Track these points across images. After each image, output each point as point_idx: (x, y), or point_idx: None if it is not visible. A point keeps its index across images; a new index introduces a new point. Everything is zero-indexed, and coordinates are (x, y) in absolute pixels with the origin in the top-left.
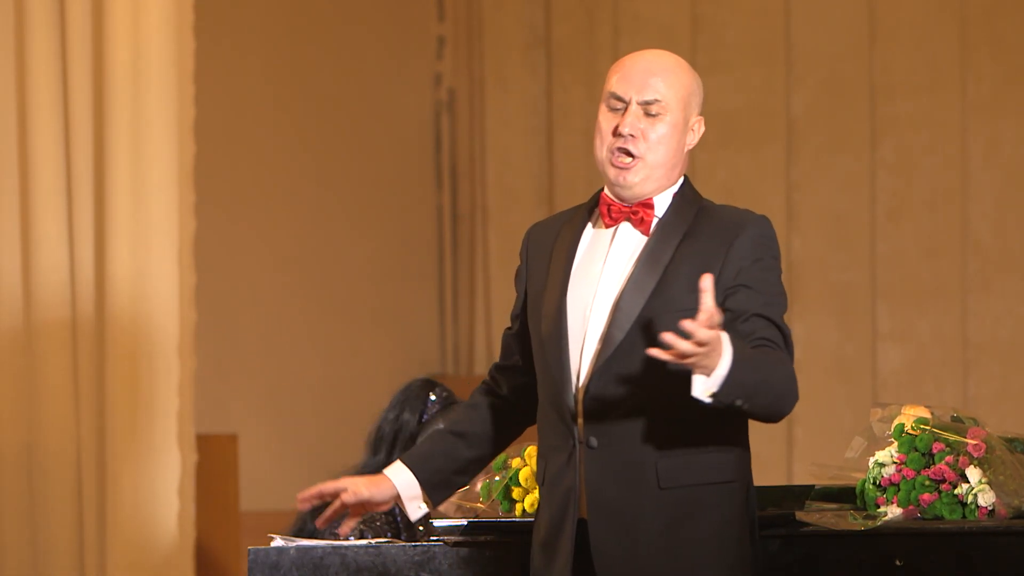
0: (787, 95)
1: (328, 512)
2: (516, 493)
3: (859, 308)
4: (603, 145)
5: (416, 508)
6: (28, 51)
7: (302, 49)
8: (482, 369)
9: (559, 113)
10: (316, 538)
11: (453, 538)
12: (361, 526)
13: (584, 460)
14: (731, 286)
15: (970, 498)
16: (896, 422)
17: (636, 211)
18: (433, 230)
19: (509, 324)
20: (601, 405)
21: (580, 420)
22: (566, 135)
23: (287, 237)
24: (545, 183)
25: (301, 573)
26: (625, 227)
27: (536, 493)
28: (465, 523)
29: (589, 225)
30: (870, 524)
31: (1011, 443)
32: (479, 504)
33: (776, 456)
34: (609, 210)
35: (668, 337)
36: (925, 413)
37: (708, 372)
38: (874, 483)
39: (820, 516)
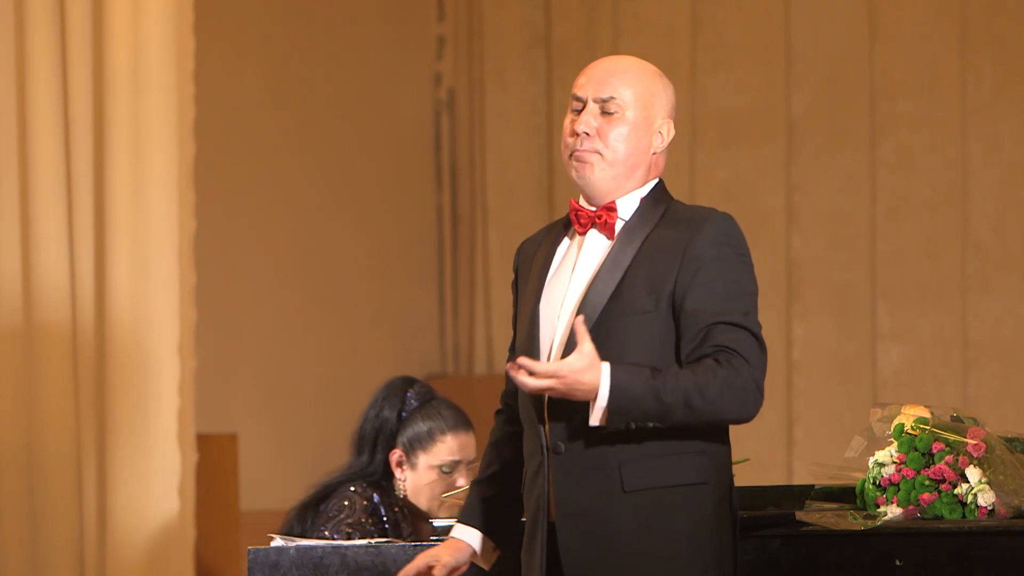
0: (787, 95)
1: None
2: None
3: (859, 308)
4: (564, 146)
5: (492, 557)
6: (28, 51)
7: (302, 49)
8: (482, 369)
9: (559, 113)
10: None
11: None
12: (348, 529)
13: (552, 465)
14: (688, 288)
15: (970, 498)
16: (896, 422)
17: (600, 215)
18: (433, 230)
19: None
20: (565, 410)
21: (547, 426)
22: None
23: (287, 237)
24: (545, 183)
25: (301, 573)
26: (592, 233)
27: None
28: None
29: (564, 236)
30: (870, 524)
31: (1011, 443)
32: None
33: (776, 456)
34: (578, 217)
35: (512, 373)
36: (925, 413)
37: (591, 404)
38: (874, 483)
39: (820, 516)
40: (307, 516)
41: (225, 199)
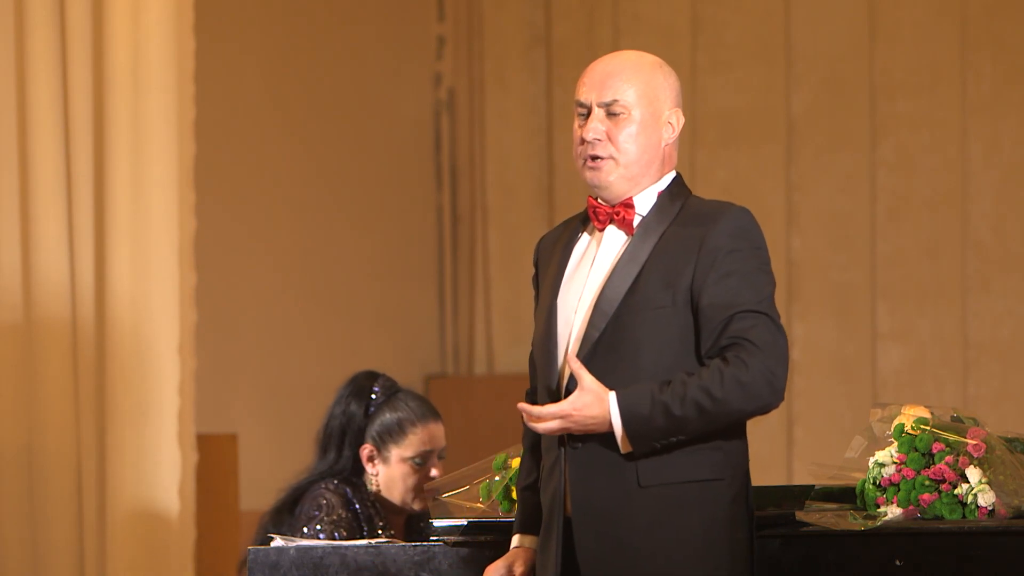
0: (787, 95)
1: None
2: (516, 493)
3: (859, 308)
4: (576, 154)
5: None
6: (28, 51)
7: (302, 49)
8: (482, 369)
9: (559, 113)
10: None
11: (453, 538)
12: (331, 527)
13: (568, 460)
14: (705, 282)
15: (970, 498)
16: (896, 422)
17: (618, 211)
18: (433, 230)
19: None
20: None
21: None
22: (566, 135)
23: (287, 237)
24: (545, 183)
25: (301, 573)
26: (611, 230)
27: None
28: (465, 523)
29: (583, 232)
30: (870, 524)
31: (1011, 443)
32: (479, 504)
33: (776, 456)
34: (596, 214)
35: (527, 422)
36: (925, 413)
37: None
38: (874, 483)
39: (820, 516)
40: (282, 520)
41: (225, 199)
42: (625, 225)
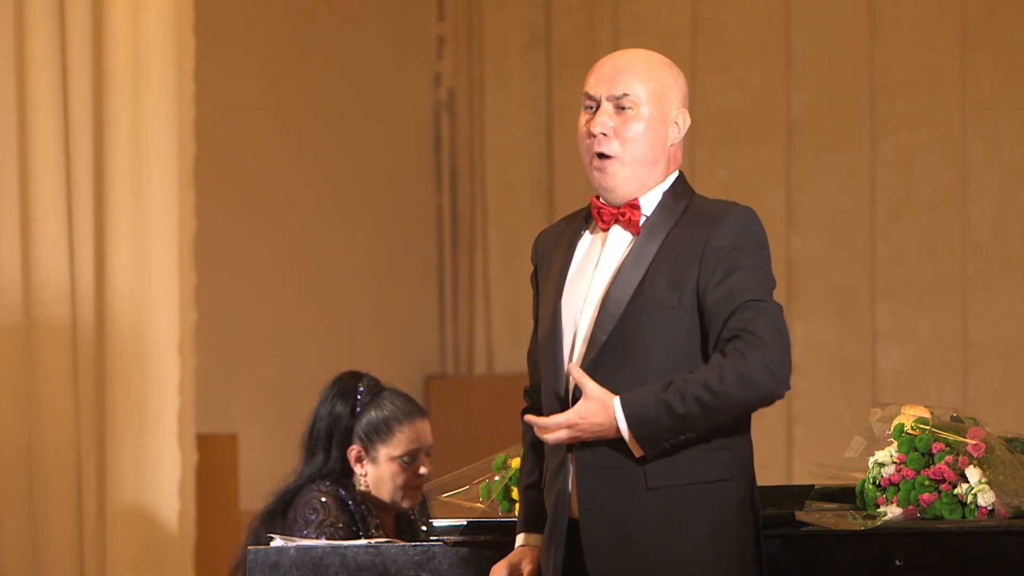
0: (787, 95)
1: None
2: (516, 493)
3: (859, 308)
4: (583, 148)
5: None
6: (28, 51)
7: (302, 49)
8: (482, 369)
9: (559, 113)
10: None
11: (453, 538)
12: (330, 529)
13: (575, 461)
14: (709, 282)
15: (970, 498)
16: (896, 422)
17: (623, 212)
18: (433, 230)
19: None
20: None
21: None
22: (566, 135)
23: (287, 237)
24: (545, 183)
25: (301, 573)
26: (616, 230)
27: None
28: (465, 523)
29: (586, 230)
30: (870, 524)
31: (1011, 443)
32: (479, 504)
33: (776, 456)
34: (600, 214)
35: (534, 425)
36: (925, 413)
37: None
38: (874, 483)
39: (820, 516)
40: (274, 524)
41: (225, 199)
42: (631, 226)
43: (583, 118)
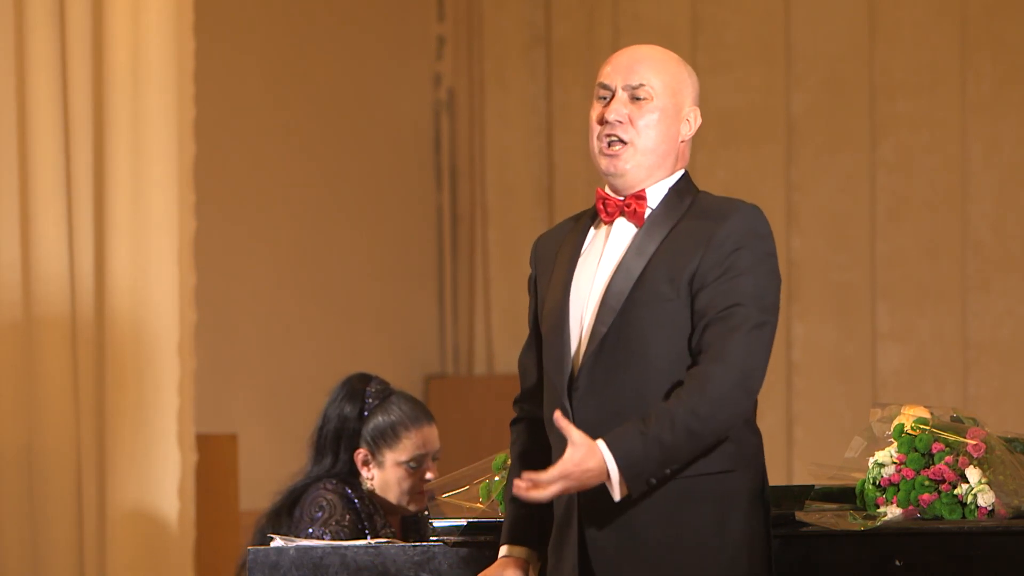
0: (787, 95)
1: None
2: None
3: (859, 308)
4: (593, 136)
5: (538, 567)
6: (28, 51)
7: (302, 49)
8: (482, 369)
9: (559, 113)
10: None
11: (453, 538)
12: (336, 527)
13: None
14: (705, 280)
15: (970, 498)
16: (896, 422)
17: (629, 203)
18: (433, 230)
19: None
20: (591, 400)
21: (572, 417)
22: (566, 135)
23: (287, 237)
24: (545, 183)
25: (301, 573)
26: (620, 222)
27: None
28: (465, 523)
29: (592, 227)
30: (870, 524)
31: (1011, 443)
32: (479, 504)
33: (776, 456)
34: (605, 205)
35: (522, 488)
36: (925, 413)
37: (608, 483)
38: (874, 483)
39: (820, 516)
40: (280, 523)
41: (225, 199)
42: (636, 217)
43: (596, 108)
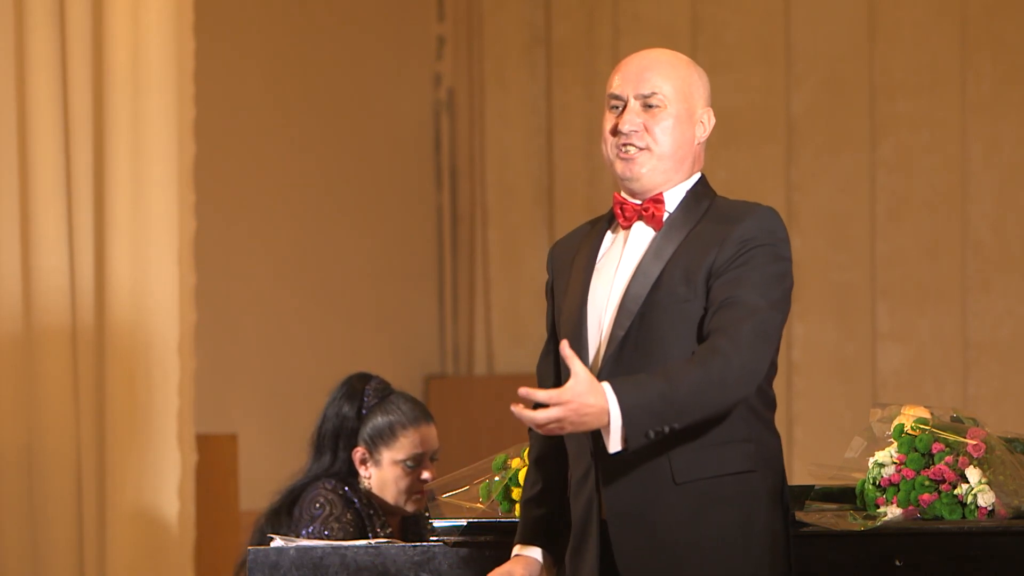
0: (787, 95)
1: None
2: (516, 493)
3: (859, 308)
4: (607, 146)
5: (552, 571)
6: (28, 51)
7: (302, 49)
8: (482, 369)
9: (559, 113)
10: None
11: (453, 538)
12: (335, 524)
13: (599, 464)
14: (721, 271)
15: (970, 498)
16: (896, 422)
17: (647, 207)
18: (433, 230)
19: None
20: None
21: None
22: (566, 135)
23: (287, 237)
24: (545, 183)
25: (301, 573)
26: (639, 226)
27: None
28: (465, 523)
29: (608, 231)
30: (870, 524)
31: (1011, 443)
32: (479, 504)
33: None
34: (623, 210)
35: (516, 411)
36: (925, 413)
37: (604, 431)
38: (874, 483)
39: (820, 516)
40: (280, 522)
41: (225, 199)
42: (654, 221)
43: (608, 118)
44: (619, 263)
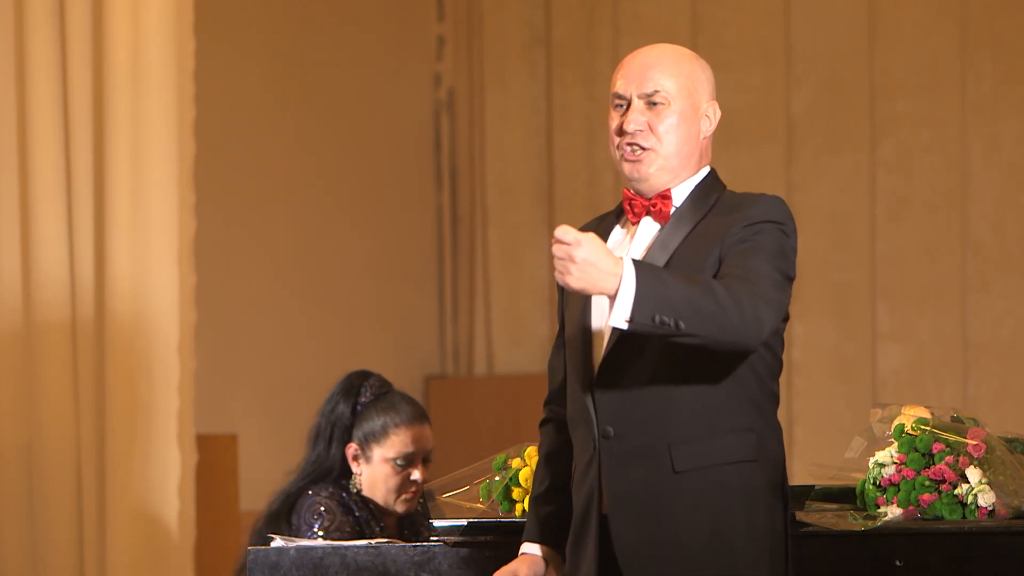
0: (787, 95)
1: None
2: (516, 493)
3: (859, 308)
4: (612, 145)
5: (560, 568)
6: (28, 51)
7: (302, 49)
8: (482, 369)
9: (559, 113)
10: None
11: (453, 538)
12: (337, 533)
13: (602, 453)
14: (728, 253)
15: (970, 498)
16: (896, 422)
17: (655, 203)
18: (433, 230)
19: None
20: (613, 394)
21: (596, 413)
22: (566, 135)
23: (287, 237)
24: (545, 183)
25: (301, 573)
26: (646, 221)
27: None
28: (465, 523)
29: (617, 226)
30: (870, 524)
31: (1011, 443)
32: (479, 504)
33: None
34: (632, 206)
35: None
36: (925, 413)
37: (612, 297)
38: (874, 483)
39: (820, 516)
40: (279, 526)
41: (225, 199)
42: (661, 217)
43: (613, 118)
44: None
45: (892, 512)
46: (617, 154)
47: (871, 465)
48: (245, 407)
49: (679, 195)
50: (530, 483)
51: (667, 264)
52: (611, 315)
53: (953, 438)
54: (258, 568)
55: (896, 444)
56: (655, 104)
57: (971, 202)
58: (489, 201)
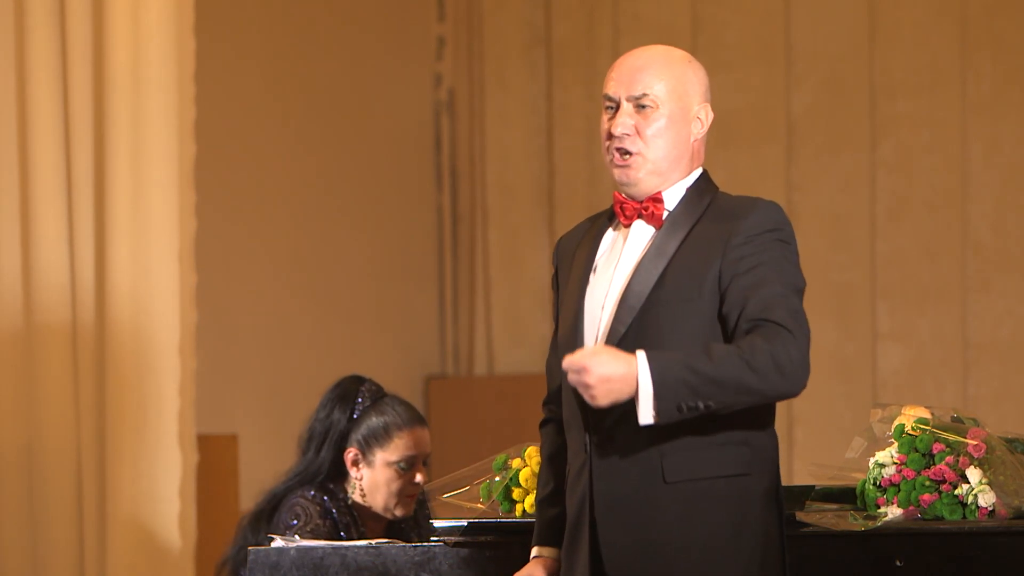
0: (787, 95)
1: None
2: (516, 494)
3: (859, 308)
4: (604, 149)
5: None
6: (28, 51)
7: (302, 49)
8: (482, 369)
9: (559, 113)
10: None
11: (453, 538)
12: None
13: (592, 457)
14: (734, 270)
15: (970, 498)
16: (896, 422)
17: (647, 206)
18: (433, 230)
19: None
20: None
21: (587, 419)
22: (566, 135)
23: (287, 237)
24: (545, 183)
25: (301, 573)
26: (639, 224)
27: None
28: (465, 523)
29: (609, 228)
30: (870, 524)
31: (1011, 443)
32: (479, 504)
33: None
34: (623, 209)
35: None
36: (925, 413)
37: (636, 398)
38: (874, 483)
39: (820, 516)
40: (260, 527)
41: (225, 199)
42: (653, 220)
43: (603, 120)
44: (619, 261)
45: (892, 512)
46: (607, 158)
47: (871, 465)
48: (245, 407)
49: (671, 198)
50: (530, 483)
51: (664, 271)
52: (639, 415)
53: (953, 438)
54: (258, 568)
55: (896, 444)
56: (643, 107)
57: (971, 202)
58: (489, 201)
